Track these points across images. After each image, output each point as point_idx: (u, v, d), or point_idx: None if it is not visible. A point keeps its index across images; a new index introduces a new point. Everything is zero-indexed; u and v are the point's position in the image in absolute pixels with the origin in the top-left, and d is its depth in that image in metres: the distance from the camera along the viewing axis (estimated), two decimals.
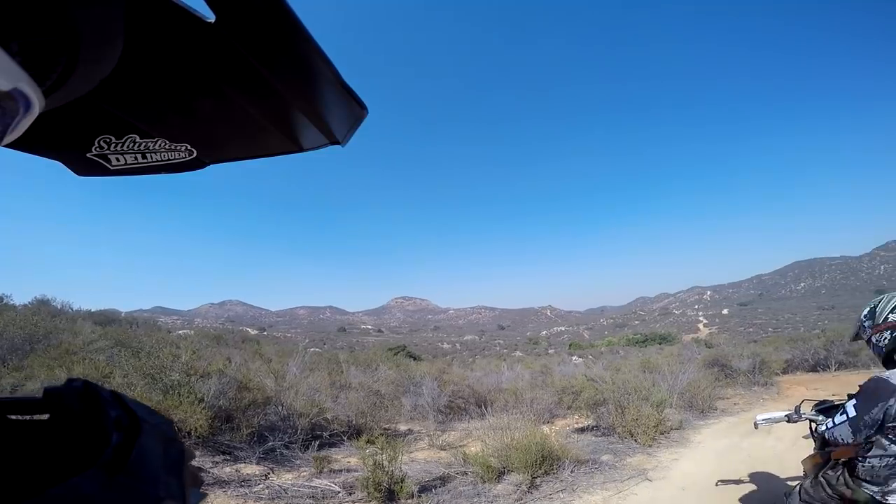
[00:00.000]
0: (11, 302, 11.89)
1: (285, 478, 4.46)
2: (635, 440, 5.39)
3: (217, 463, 4.57)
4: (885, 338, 1.84)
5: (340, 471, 4.59)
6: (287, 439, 5.43)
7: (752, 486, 3.67)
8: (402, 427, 7.37)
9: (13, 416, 0.28)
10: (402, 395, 8.71)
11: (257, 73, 0.39)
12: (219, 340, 17.22)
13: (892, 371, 1.74)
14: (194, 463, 0.44)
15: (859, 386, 2.24)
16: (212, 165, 0.53)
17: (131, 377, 5.19)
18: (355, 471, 4.39)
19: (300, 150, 0.51)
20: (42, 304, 11.95)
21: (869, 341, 1.95)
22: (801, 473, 2.31)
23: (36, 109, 0.27)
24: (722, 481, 3.80)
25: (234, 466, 4.51)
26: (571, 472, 4.23)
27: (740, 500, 3.44)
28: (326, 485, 4.02)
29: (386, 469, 3.73)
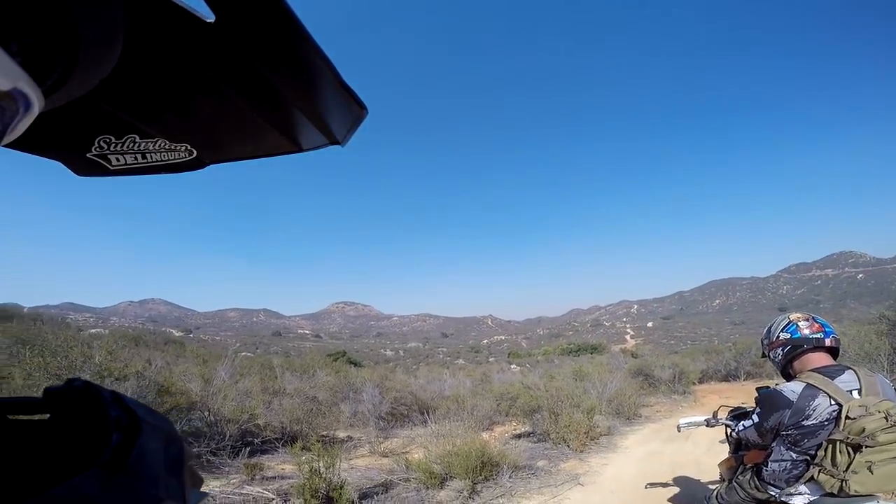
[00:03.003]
0: None
1: (213, 485, 4.18)
2: (568, 446, 5.58)
3: None
4: (779, 354, 2.01)
5: (274, 478, 4.39)
6: (214, 446, 5.11)
7: (676, 489, 3.91)
8: (342, 434, 7.18)
9: (13, 416, 0.27)
10: (342, 401, 8.48)
11: (257, 72, 0.38)
12: (138, 341, 15.79)
13: (787, 384, 1.88)
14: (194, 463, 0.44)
15: (757, 392, 2.52)
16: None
17: (35, 377, 4.65)
18: (290, 478, 4.21)
19: (300, 150, 0.51)
20: None
21: (768, 357, 2.12)
22: (718, 476, 2.46)
23: (36, 109, 0.27)
24: (650, 484, 4.00)
25: None
26: (510, 477, 4.32)
27: (667, 501, 3.66)
28: (259, 492, 3.82)
29: (323, 475, 3.61)
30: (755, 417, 1.96)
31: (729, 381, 13.50)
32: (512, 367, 18.36)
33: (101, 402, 0.26)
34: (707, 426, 2.48)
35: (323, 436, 6.29)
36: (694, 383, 12.80)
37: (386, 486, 4.19)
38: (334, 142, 0.50)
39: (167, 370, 7.14)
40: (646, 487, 3.96)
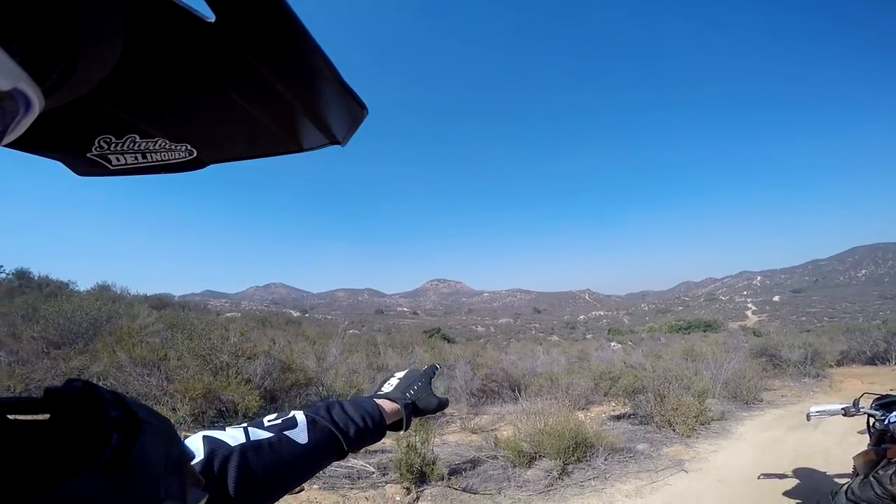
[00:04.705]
0: (76, 288, 12.94)
1: None
2: (673, 430, 5.26)
3: None
4: None
5: (375, 451, 4.75)
6: None
7: (796, 481, 3.53)
8: None
9: (13, 416, 0.28)
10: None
11: (257, 73, 0.38)
12: (264, 323, 18.01)
13: None
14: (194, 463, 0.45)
15: None
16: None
17: (185, 359, 5.52)
18: (390, 451, 4.53)
19: (300, 150, 0.50)
20: (103, 290, 12.86)
21: None
22: (850, 470, 2.25)
23: (36, 109, 0.27)
24: (764, 474, 3.68)
25: None
26: (605, 459, 4.18)
27: (783, 494, 3.31)
28: (362, 465, 4.17)
29: (418, 451, 3.83)
30: None
31: (875, 364, 11.79)
32: (612, 344, 17.51)
33: (101, 403, 0.26)
34: (844, 415, 2.30)
35: None
36: (831, 366, 11.38)
37: (474, 463, 4.31)
38: (334, 142, 0.49)
39: (288, 349, 7.99)
40: (758, 478, 3.65)
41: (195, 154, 0.49)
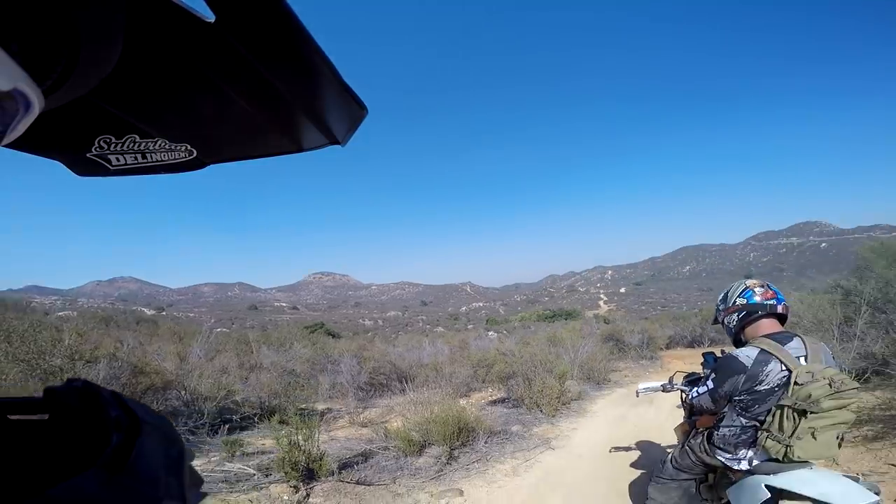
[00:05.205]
0: None
1: (194, 464, 4.20)
2: (541, 411, 5.79)
3: None
4: (734, 319, 2.00)
5: (254, 453, 4.44)
6: (192, 424, 5.11)
7: (639, 453, 4.10)
8: (321, 406, 7.28)
9: (13, 416, 0.27)
10: (320, 373, 8.56)
11: (257, 73, 0.39)
12: (108, 322, 15.41)
13: (741, 350, 1.89)
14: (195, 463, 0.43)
15: (703, 358, 2.48)
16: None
17: (2, 364, 4.51)
18: (270, 452, 4.27)
19: (300, 150, 0.51)
20: None
21: (722, 323, 2.10)
22: (676, 441, 2.52)
23: (36, 109, 0.27)
24: (614, 448, 4.18)
25: None
26: (485, 442, 4.50)
27: (630, 465, 3.84)
28: (239, 468, 3.87)
29: (302, 448, 3.68)
30: (710, 384, 1.96)
31: (694, 346, 14.05)
32: (489, 333, 18.79)
33: (101, 402, 0.26)
34: (663, 391, 2.52)
35: (301, 409, 6.37)
36: (661, 349, 13.35)
37: (366, 456, 4.31)
38: (334, 142, 0.50)
39: (140, 350, 7.02)
40: (610, 451, 4.15)
41: (195, 154, 0.50)
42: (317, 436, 3.92)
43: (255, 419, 5.78)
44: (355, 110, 0.46)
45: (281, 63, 0.38)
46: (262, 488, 3.45)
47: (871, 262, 6.67)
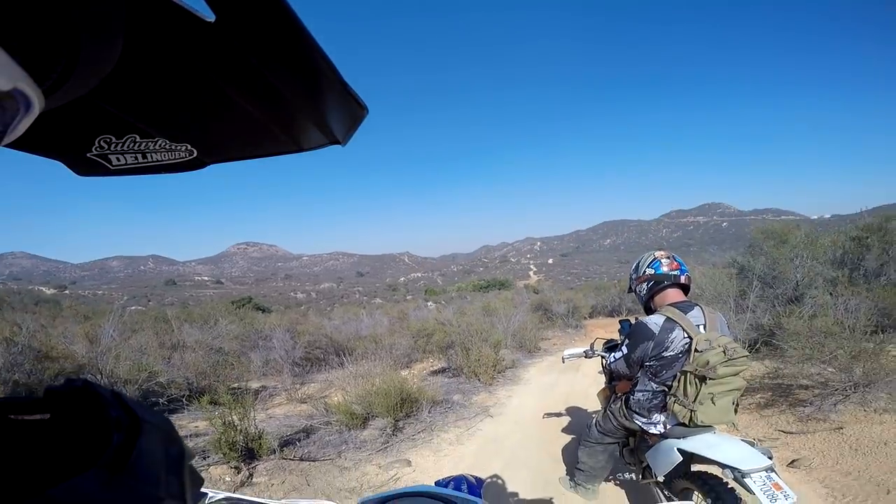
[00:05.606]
0: None
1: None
2: (479, 379, 5.99)
3: None
4: (644, 289, 2.11)
5: (187, 436, 4.24)
6: None
7: (569, 418, 4.39)
8: (255, 384, 7.03)
9: (14, 416, 0.27)
10: (251, 350, 8.23)
11: (257, 72, 0.38)
12: (1, 304, 13.43)
13: (650, 317, 1.98)
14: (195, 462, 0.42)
15: (620, 325, 2.62)
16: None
17: None
18: (205, 434, 4.09)
19: (300, 149, 0.51)
20: None
21: (635, 291, 2.20)
22: (600, 406, 2.67)
23: (36, 109, 0.27)
24: (547, 414, 4.45)
25: None
26: (429, 412, 4.62)
27: (561, 431, 4.12)
28: None
29: (239, 427, 3.58)
30: (624, 349, 2.08)
31: (614, 315, 15.17)
32: (428, 304, 19.09)
33: (101, 402, 0.26)
34: (585, 357, 2.65)
35: (234, 388, 6.12)
36: (585, 317, 14.29)
37: (307, 432, 4.27)
38: (335, 141, 0.50)
39: (43, 333, 6.25)
40: (543, 417, 4.42)
41: (195, 154, 0.49)
42: (252, 414, 3.81)
43: (184, 401, 5.48)
44: (355, 110, 0.47)
45: (281, 63, 0.38)
46: (201, 471, 3.33)
47: (761, 242, 7.67)
